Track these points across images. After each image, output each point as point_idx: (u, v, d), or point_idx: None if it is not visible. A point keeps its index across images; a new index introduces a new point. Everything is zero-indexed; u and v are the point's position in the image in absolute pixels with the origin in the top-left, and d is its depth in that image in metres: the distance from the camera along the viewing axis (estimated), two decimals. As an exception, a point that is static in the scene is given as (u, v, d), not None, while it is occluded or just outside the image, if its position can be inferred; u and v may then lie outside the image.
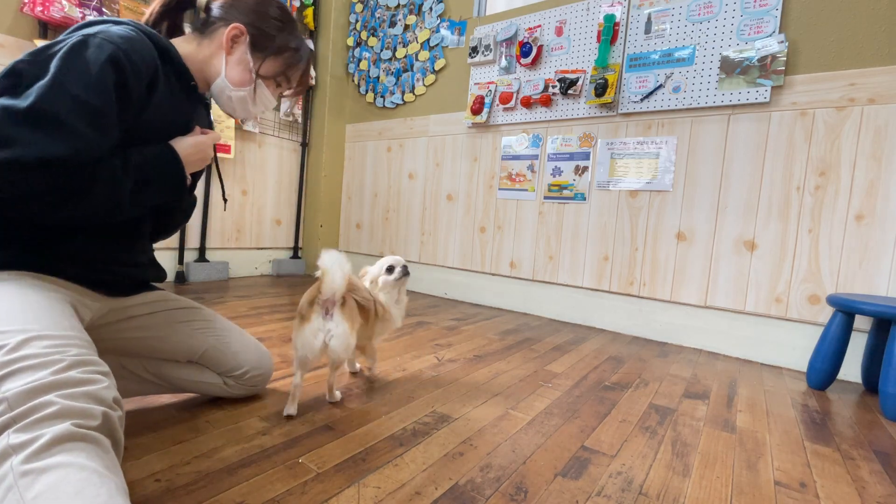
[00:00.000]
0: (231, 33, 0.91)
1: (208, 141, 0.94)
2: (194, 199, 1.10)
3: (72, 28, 0.80)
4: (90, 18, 0.83)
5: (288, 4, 3.14)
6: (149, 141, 0.84)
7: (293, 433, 1.02)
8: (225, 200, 1.18)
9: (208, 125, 1.07)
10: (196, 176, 1.06)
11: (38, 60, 0.69)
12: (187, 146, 0.89)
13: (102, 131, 0.71)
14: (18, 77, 0.68)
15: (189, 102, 0.94)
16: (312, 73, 3.41)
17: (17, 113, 0.63)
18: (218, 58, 0.94)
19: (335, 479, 0.85)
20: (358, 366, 1.46)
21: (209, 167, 1.15)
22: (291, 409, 1.10)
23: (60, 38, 0.75)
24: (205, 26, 0.94)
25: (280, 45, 0.96)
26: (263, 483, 0.82)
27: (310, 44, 1.03)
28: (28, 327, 0.62)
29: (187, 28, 0.99)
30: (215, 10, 0.94)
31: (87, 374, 0.59)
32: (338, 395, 1.23)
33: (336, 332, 1.08)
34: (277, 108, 3.26)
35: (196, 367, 1.09)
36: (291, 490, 0.81)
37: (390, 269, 1.32)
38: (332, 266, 1.07)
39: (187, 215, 1.10)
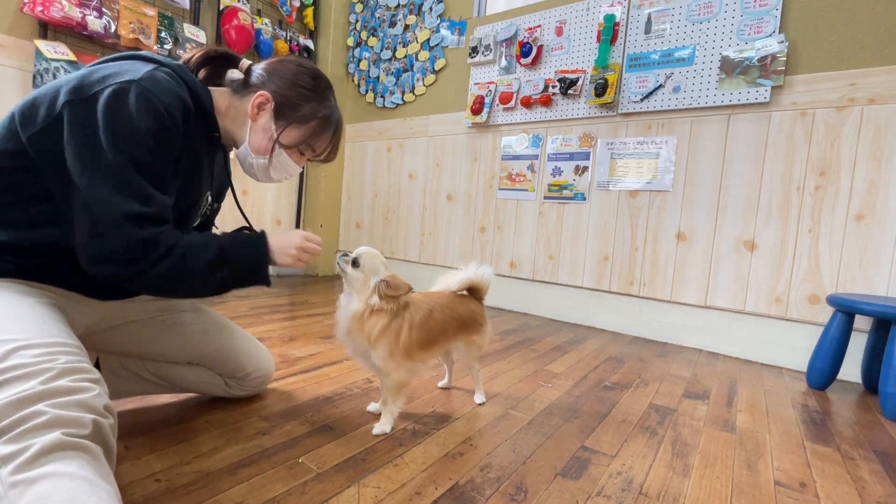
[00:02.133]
0: (257, 100, 0.90)
1: (298, 240, 0.92)
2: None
3: (114, 57, 0.82)
4: (144, 52, 0.85)
5: (288, 5, 3.14)
6: (184, 188, 0.86)
7: (293, 433, 1.02)
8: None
9: (225, 171, 1.08)
10: (220, 198, 1.07)
11: (81, 101, 0.72)
12: (282, 246, 0.90)
13: (155, 183, 0.76)
14: (60, 122, 0.72)
15: (208, 148, 0.94)
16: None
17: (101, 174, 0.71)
18: (244, 120, 0.93)
19: (335, 479, 0.85)
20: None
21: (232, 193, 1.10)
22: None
23: (99, 70, 0.76)
24: (241, 88, 0.94)
25: (304, 114, 0.93)
26: (263, 483, 0.82)
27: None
28: (15, 337, 0.61)
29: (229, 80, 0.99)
30: (254, 75, 0.94)
31: (77, 382, 0.58)
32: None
33: None
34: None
35: (197, 367, 1.09)
36: (291, 490, 0.81)
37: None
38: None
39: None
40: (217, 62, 0.97)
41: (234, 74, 0.95)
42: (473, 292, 1.29)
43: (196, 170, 0.90)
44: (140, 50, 0.93)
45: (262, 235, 0.90)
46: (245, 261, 0.86)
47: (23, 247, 0.75)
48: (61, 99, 0.72)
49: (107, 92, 0.72)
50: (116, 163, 0.71)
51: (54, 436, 0.51)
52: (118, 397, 1.06)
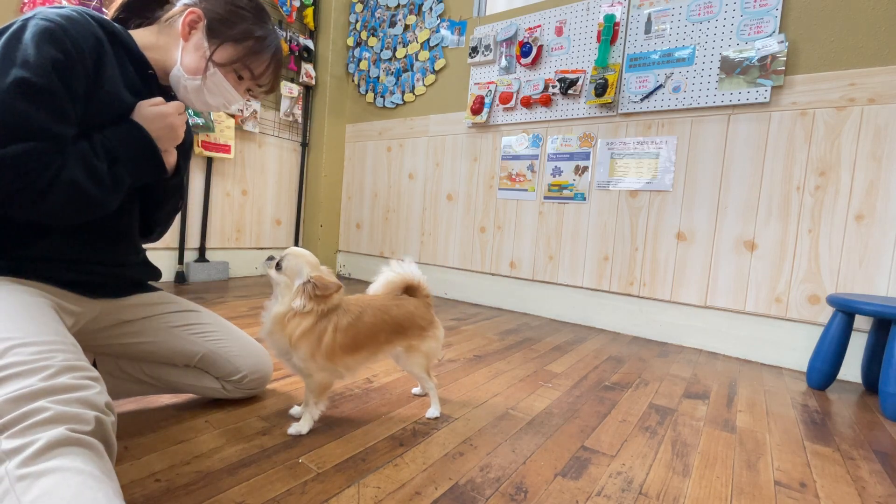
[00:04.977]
0: (188, 18, 0.86)
1: (171, 110, 0.86)
2: (185, 183, 1.03)
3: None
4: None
5: (288, 5, 3.14)
6: (105, 125, 0.80)
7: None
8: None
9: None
10: (184, 157, 0.99)
11: None
12: (148, 116, 0.83)
13: (53, 112, 0.69)
14: None
15: (148, 92, 0.88)
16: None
17: None
18: (176, 45, 0.88)
19: (335, 479, 0.85)
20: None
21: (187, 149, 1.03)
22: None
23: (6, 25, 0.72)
24: (166, 15, 0.90)
25: (240, 32, 0.89)
26: (263, 483, 0.82)
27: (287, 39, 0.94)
28: (11, 335, 0.60)
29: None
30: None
31: (78, 379, 0.58)
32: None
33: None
34: (277, 108, 3.27)
35: (194, 370, 1.08)
36: (291, 490, 0.81)
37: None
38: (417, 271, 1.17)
39: (178, 205, 1.03)
40: (140, 5, 0.92)
41: (165, 9, 0.91)
42: (412, 292, 1.18)
43: (125, 114, 0.84)
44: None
45: (130, 121, 0.83)
46: (135, 151, 0.81)
47: (12, 236, 0.74)
48: None
49: (7, 34, 0.69)
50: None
51: (59, 431, 0.51)
52: (116, 398, 1.06)
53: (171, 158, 0.91)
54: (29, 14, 0.72)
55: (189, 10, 0.86)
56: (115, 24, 0.83)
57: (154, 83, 0.90)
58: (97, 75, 0.76)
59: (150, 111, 0.84)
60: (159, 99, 0.86)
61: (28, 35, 0.69)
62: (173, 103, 0.87)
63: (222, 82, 0.91)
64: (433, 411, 1.17)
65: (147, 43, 0.87)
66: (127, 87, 0.83)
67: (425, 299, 1.18)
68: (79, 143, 0.73)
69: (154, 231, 1.02)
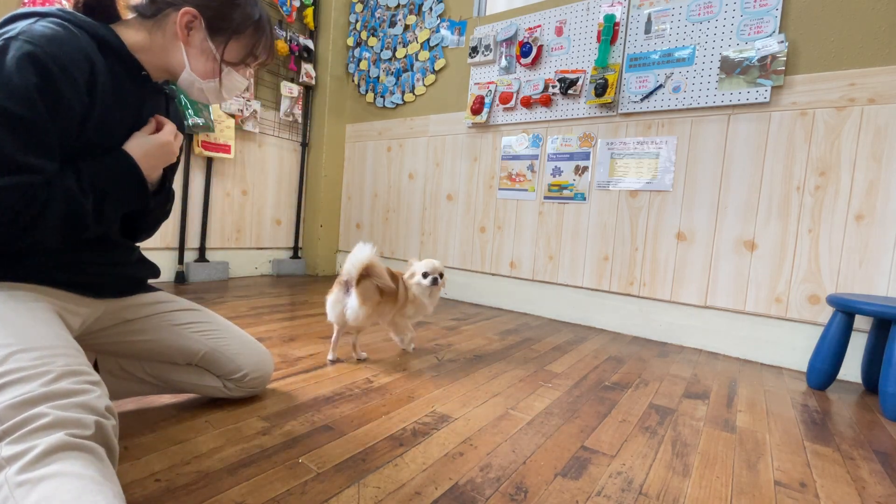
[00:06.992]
0: (183, 20, 0.81)
1: (164, 137, 0.85)
2: (172, 194, 1.01)
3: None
4: (23, 9, 0.74)
5: (288, 5, 3.14)
6: (102, 143, 0.78)
7: (293, 433, 1.02)
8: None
9: (172, 115, 0.98)
10: (171, 168, 0.98)
11: None
12: (142, 147, 0.82)
13: (32, 144, 0.66)
14: None
15: (139, 93, 0.85)
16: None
17: None
18: (176, 48, 0.84)
19: (335, 479, 0.85)
20: (364, 354, 1.60)
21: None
22: (332, 355, 1.53)
23: None
24: (150, 9, 0.83)
25: (238, 23, 0.85)
26: (263, 483, 0.82)
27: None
28: (10, 341, 0.60)
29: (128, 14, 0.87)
30: None
31: (77, 384, 0.58)
32: (363, 354, 1.58)
33: (349, 304, 1.41)
34: (277, 108, 3.27)
35: (195, 369, 1.08)
36: (291, 490, 0.81)
37: (425, 275, 1.60)
38: (350, 257, 1.40)
39: (166, 212, 1.02)
40: None
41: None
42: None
43: (123, 119, 0.82)
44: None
45: (123, 154, 0.80)
46: (124, 187, 0.80)
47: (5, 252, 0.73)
48: None
49: None
50: None
51: (58, 436, 0.51)
52: (117, 398, 1.06)
53: (153, 174, 0.88)
54: (11, 32, 0.67)
55: (182, 10, 0.81)
56: (102, 28, 0.78)
57: (147, 83, 0.87)
58: (91, 99, 0.74)
59: (149, 142, 0.83)
60: (152, 125, 0.86)
61: (10, 59, 0.64)
62: (169, 129, 0.87)
63: (235, 77, 0.92)
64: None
65: (137, 44, 0.83)
66: (119, 96, 0.80)
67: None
68: (66, 178, 0.71)
69: (139, 237, 1.00)
